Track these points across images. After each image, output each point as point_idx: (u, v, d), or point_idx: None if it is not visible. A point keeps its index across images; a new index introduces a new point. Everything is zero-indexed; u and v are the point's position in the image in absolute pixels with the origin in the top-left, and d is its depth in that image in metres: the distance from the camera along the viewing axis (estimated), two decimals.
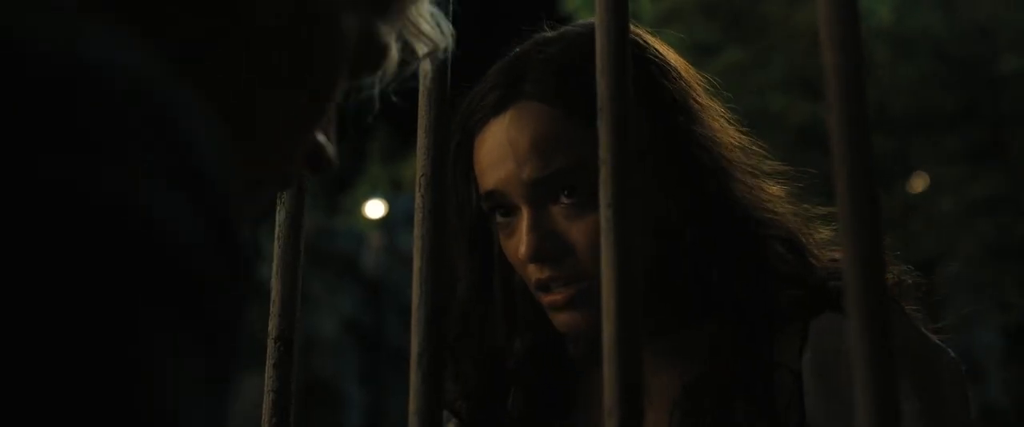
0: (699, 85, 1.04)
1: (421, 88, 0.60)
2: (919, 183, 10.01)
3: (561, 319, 0.98)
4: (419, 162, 0.57)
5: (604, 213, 0.46)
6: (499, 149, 0.99)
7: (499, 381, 1.06)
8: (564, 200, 0.97)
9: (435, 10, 0.54)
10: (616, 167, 0.48)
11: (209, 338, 0.29)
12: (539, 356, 1.06)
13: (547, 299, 0.98)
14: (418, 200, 0.56)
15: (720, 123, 1.03)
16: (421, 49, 0.53)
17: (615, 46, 0.50)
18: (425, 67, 0.61)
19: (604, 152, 0.48)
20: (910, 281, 1.01)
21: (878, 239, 0.38)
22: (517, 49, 1.04)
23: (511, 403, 1.05)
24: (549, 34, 1.05)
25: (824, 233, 1.02)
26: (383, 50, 0.49)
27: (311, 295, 13.79)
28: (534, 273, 0.98)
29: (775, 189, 1.03)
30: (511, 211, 1.00)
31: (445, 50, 0.55)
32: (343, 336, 15.30)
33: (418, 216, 0.56)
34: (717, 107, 1.04)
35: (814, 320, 0.96)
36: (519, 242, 0.98)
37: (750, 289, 0.97)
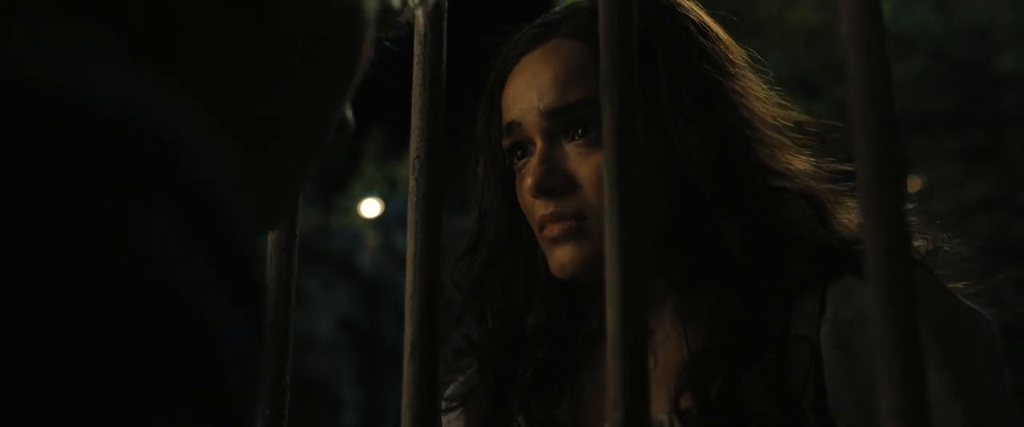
0: (738, 52, 1.04)
1: (415, 70, 0.58)
2: (915, 183, 10.02)
3: (556, 257, 0.96)
4: (413, 144, 0.55)
5: (608, 195, 0.44)
6: (524, 82, 1.00)
7: (517, 333, 1.05)
8: (577, 137, 0.97)
9: None
10: (620, 146, 0.45)
11: (221, 410, 0.27)
12: (551, 330, 1.04)
13: (546, 234, 0.97)
14: (412, 184, 0.54)
15: (755, 89, 1.02)
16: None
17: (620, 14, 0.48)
18: (419, 50, 0.59)
19: (608, 129, 0.46)
20: (947, 248, 0.98)
21: (900, 198, 0.36)
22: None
23: (522, 368, 1.04)
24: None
25: (852, 205, 0.99)
26: (398, 10, 0.47)
27: (307, 294, 13.77)
28: (539, 209, 0.97)
29: (801, 163, 1.00)
30: (527, 150, 1.00)
31: None
32: (338, 336, 15.27)
33: (412, 200, 0.53)
34: (755, 78, 1.03)
35: (833, 285, 0.93)
36: (528, 177, 0.98)
37: (764, 253, 0.94)
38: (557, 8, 1.06)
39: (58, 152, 0.25)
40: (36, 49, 0.27)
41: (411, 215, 0.53)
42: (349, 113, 0.46)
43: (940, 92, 9.24)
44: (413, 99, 0.56)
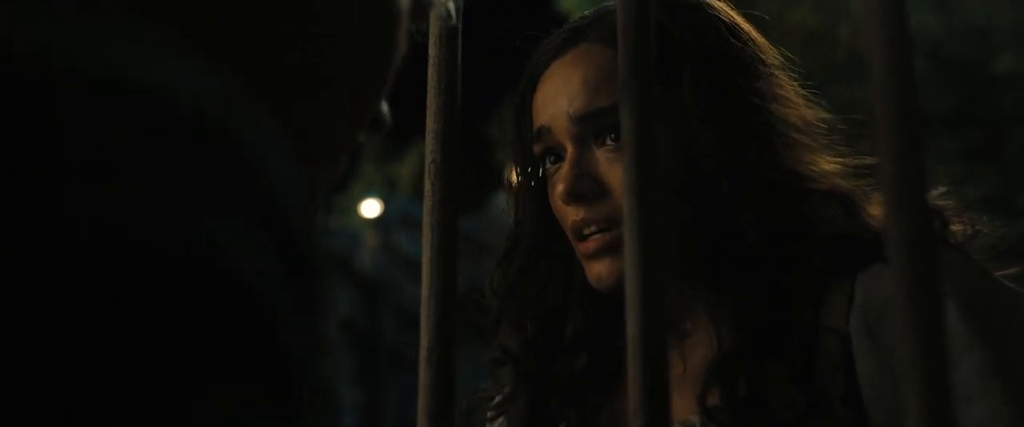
0: (771, 52, 1.03)
1: (430, 73, 0.58)
2: None
3: (594, 271, 0.96)
4: (428, 147, 0.54)
5: (627, 200, 0.44)
6: (553, 87, 1.00)
7: (555, 341, 1.04)
8: (608, 142, 0.96)
9: None
10: (639, 153, 0.45)
11: (281, 401, 0.26)
12: (590, 338, 1.03)
13: (582, 247, 0.97)
14: (428, 188, 0.53)
15: (784, 91, 1.01)
16: None
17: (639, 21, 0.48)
18: (434, 53, 0.58)
19: (626, 136, 0.45)
20: (987, 231, 0.98)
21: (920, 181, 0.36)
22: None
23: (562, 377, 1.03)
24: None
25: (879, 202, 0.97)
26: (429, 5, 0.48)
27: None
28: (571, 215, 0.97)
29: (829, 164, 0.99)
30: (559, 156, 1.00)
31: None
32: (338, 336, 15.25)
33: (427, 205, 0.53)
34: (786, 79, 1.03)
35: (862, 274, 0.92)
36: (559, 183, 0.97)
37: (787, 249, 0.94)
38: (586, 12, 1.06)
39: (131, 149, 0.25)
40: (105, 45, 0.27)
41: (427, 219, 0.53)
42: (385, 107, 0.46)
43: (940, 92, 9.24)
44: (428, 102, 0.56)
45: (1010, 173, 9.14)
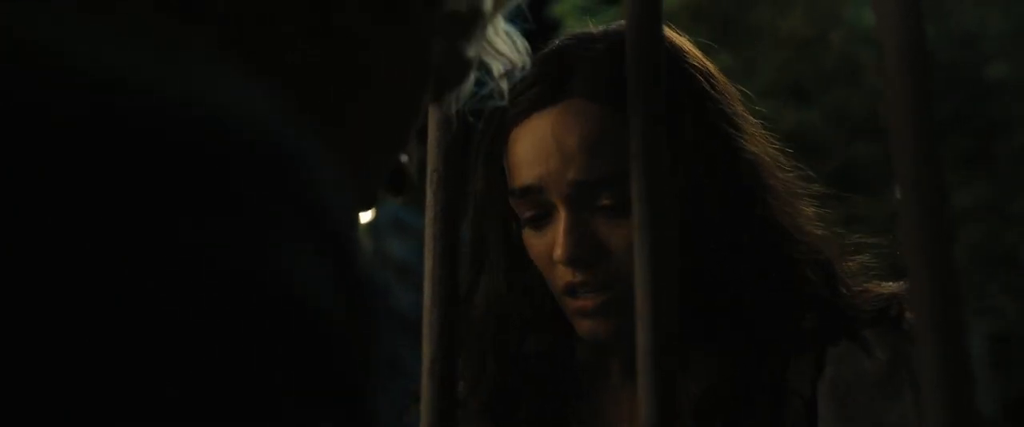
0: (736, 97, 1.01)
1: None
2: None
3: (585, 326, 0.95)
4: (430, 157, 0.54)
5: (637, 208, 0.43)
6: (542, 144, 0.94)
7: (515, 379, 1.02)
8: (605, 202, 0.93)
9: (510, 28, 0.53)
10: (649, 163, 0.44)
11: (346, 413, 0.27)
12: (552, 360, 1.03)
13: (574, 304, 0.95)
14: (430, 198, 0.52)
15: (759, 138, 1.00)
16: (497, 68, 0.52)
17: (647, 37, 0.47)
18: None
19: (635, 146, 0.45)
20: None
21: (947, 238, 0.35)
22: (557, 43, 1.00)
23: (521, 404, 1.02)
24: (592, 31, 1.01)
25: (853, 264, 1.00)
26: (466, 68, 0.48)
27: None
28: (564, 276, 0.95)
29: (809, 211, 1.00)
30: (547, 210, 0.96)
31: (522, 68, 0.53)
32: None
33: (429, 215, 0.52)
34: (754, 121, 1.01)
35: (832, 348, 0.94)
36: (552, 243, 0.94)
37: (773, 311, 0.95)
38: (556, 44, 1.00)
39: (189, 169, 0.26)
40: (170, 68, 0.28)
41: (429, 230, 0.52)
42: (412, 169, 0.49)
43: (933, 99, 9.26)
44: (430, 112, 0.55)
45: (1002, 179, 9.17)
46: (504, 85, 0.55)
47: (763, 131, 1.02)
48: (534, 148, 0.95)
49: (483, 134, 1.00)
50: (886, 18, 0.37)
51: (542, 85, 0.96)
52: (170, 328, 0.24)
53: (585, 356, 1.03)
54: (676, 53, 0.99)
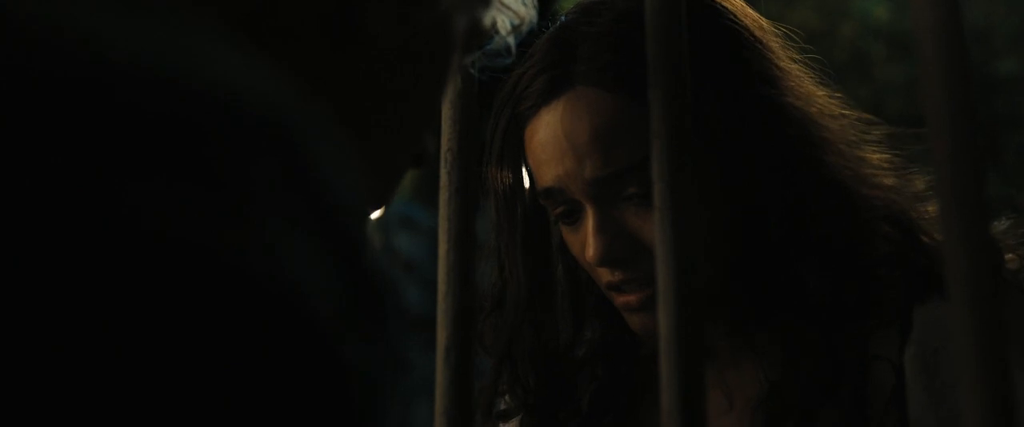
0: (776, 43, 0.93)
1: None
2: (918, 181, 10.01)
3: (636, 320, 0.90)
4: (445, 135, 0.52)
5: (657, 188, 0.41)
6: (555, 143, 0.88)
7: (563, 379, 0.97)
8: (631, 190, 0.87)
9: None
10: (669, 140, 0.43)
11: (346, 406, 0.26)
12: (609, 346, 0.98)
13: (620, 299, 0.90)
14: (444, 177, 0.51)
15: (806, 87, 0.92)
16: (504, 24, 0.51)
17: (666, 12, 0.45)
18: None
19: (656, 124, 0.43)
20: None
21: (983, 217, 0.34)
22: (562, 19, 0.93)
23: (579, 396, 0.97)
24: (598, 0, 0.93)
25: (932, 208, 0.90)
26: (484, 34, 0.48)
27: None
28: (605, 275, 0.89)
29: (877, 158, 0.91)
30: (574, 207, 0.90)
31: (529, 22, 0.52)
32: None
33: (444, 195, 0.50)
34: (799, 68, 0.93)
35: (920, 307, 0.86)
36: (585, 243, 0.89)
37: (844, 283, 0.87)
38: (560, 22, 0.93)
39: (194, 151, 0.25)
40: (180, 48, 0.28)
41: (443, 211, 0.50)
42: (432, 141, 0.48)
43: (971, 82, 9.22)
44: None
45: (1008, 175, 9.13)
46: (512, 41, 0.53)
47: (809, 73, 0.93)
48: (547, 148, 0.90)
49: (494, 130, 0.95)
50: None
51: (546, 74, 0.90)
52: (149, 314, 0.23)
53: (647, 349, 0.95)
54: (705, 16, 0.90)
